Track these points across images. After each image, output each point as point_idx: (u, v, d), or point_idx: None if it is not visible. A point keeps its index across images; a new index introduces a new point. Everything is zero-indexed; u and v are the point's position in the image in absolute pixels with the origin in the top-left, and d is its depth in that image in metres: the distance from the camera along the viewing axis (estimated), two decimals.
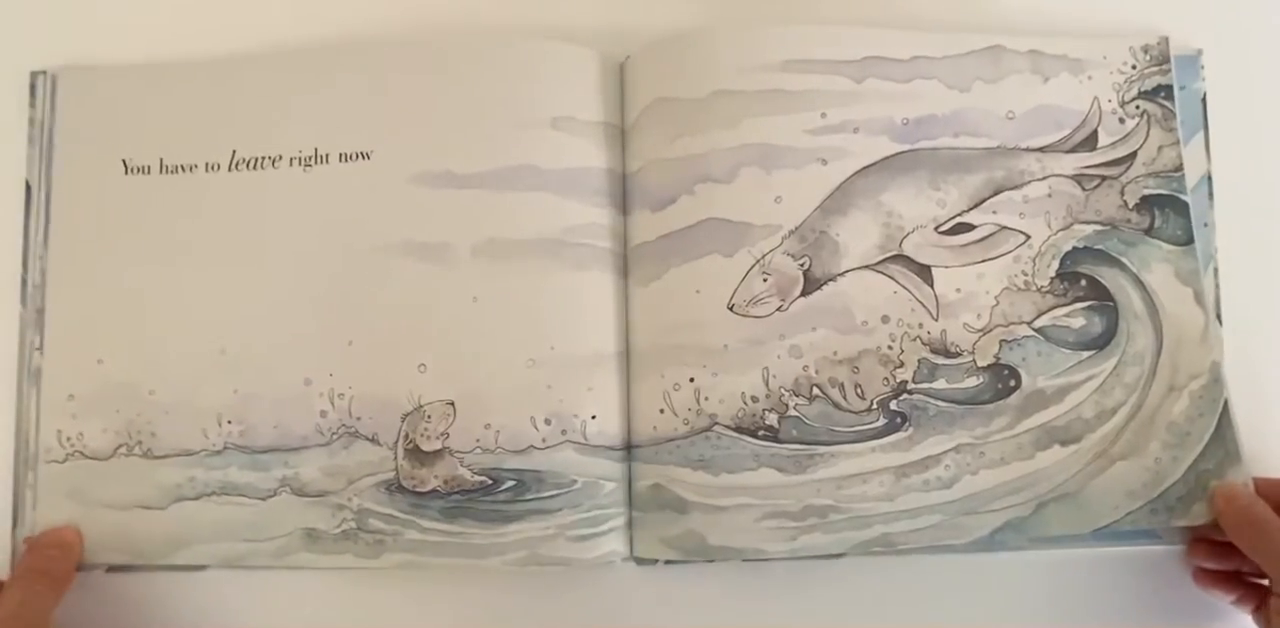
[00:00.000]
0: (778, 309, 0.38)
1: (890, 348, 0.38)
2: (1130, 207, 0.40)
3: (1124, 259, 0.40)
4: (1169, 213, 0.40)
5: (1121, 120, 0.41)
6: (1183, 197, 0.40)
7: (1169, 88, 0.41)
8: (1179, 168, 0.40)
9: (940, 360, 0.39)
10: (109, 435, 0.40)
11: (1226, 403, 0.39)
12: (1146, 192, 0.40)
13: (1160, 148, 0.41)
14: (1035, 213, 0.40)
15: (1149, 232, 0.40)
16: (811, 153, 0.39)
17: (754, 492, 0.38)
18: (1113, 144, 0.41)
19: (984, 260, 0.39)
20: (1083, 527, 0.38)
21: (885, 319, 0.39)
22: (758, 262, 0.39)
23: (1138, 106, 0.41)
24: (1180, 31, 0.42)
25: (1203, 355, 0.39)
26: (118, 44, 0.43)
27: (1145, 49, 0.41)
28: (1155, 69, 0.41)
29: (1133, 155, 0.40)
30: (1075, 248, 0.40)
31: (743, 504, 0.37)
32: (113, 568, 0.39)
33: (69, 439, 0.40)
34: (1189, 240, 0.40)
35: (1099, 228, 0.40)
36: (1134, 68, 0.41)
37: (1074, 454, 0.38)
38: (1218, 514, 0.37)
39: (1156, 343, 0.39)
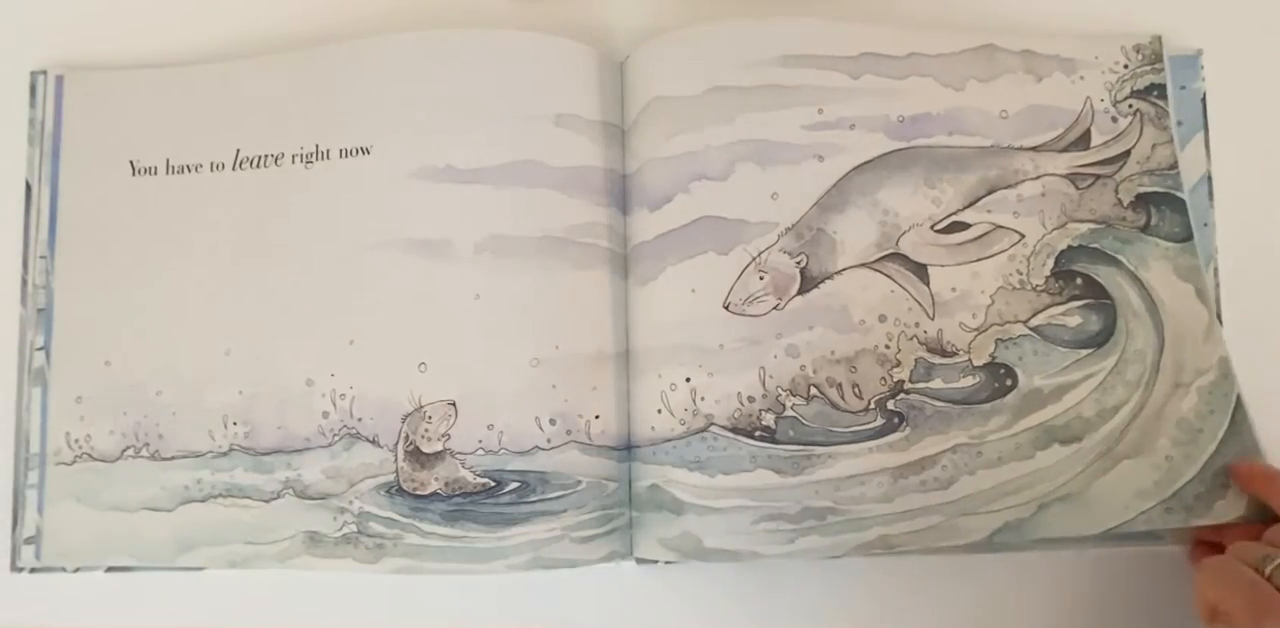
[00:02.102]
0: (774, 308, 0.38)
1: (888, 347, 0.38)
2: (1125, 205, 0.39)
3: (1120, 257, 0.39)
4: (1165, 210, 0.39)
5: (1114, 119, 0.40)
6: (1179, 194, 0.39)
7: (1162, 87, 0.40)
8: (1174, 165, 0.40)
9: (937, 360, 0.38)
10: (116, 437, 0.40)
11: (1239, 398, 0.38)
12: (1142, 190, 0.40)
13: (1154, 146, 0.40)
14: (1029, 212, 0.39)
15: (1145, 229, 0.39)
16: (808, 149, 0.39)
17: (750, 493, 0.37)
18: (1106, 143, 0.40)
19: (979, 259, 0.39)
20: (1090, 528, 0.37)
21: (882, 318, 0.38)
22: (754, 259, 0.38)
23: (1130, 105, 0.40)
24: (1180, 31, 0.41)
25: (1209, 352, 0.38)
26: (117, 44, 0.43)
27: (1137, 48, 0.41)
28: (1148, 68, 0.41)
29: (1126, 154, 0.40)
30: (1070, 247, 0.39)
31: (739, 506, 0.37)
32: (111, 569, 0.40)
33: (77, 441, 0.40)
34: (1187, 237, 0.39)
35: (1094, 226, 0.39)
36: (1126, 67, 0.40)
37: (1075, 454, 0.37)
38: (1258, 493, 0.36)
39: (1158, 340, 0.38)
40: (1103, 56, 0.41)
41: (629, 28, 0.42)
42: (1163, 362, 0.38)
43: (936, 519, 0.37)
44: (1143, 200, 0.40)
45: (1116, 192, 0.40)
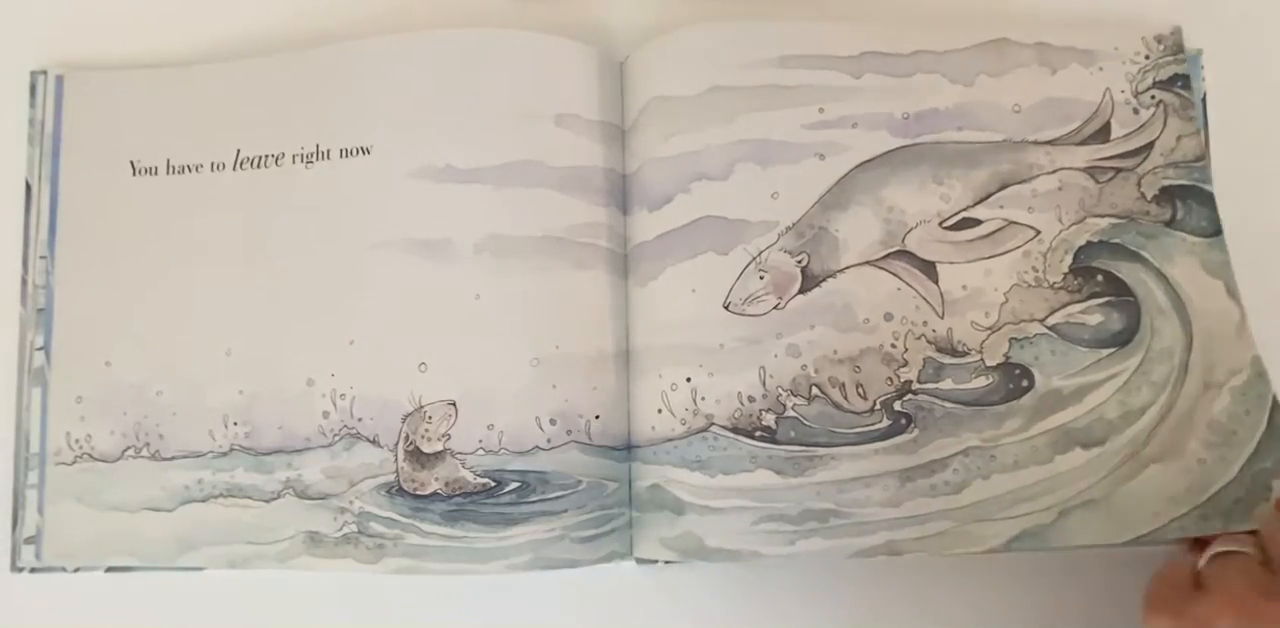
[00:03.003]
0: (774, 308, 0.38)
1: (894, 347, 0.38)
2: (1149, 198, 0.39)
3: (1144, 253, 0.39)
4: (1191, 204, 0.39)
5: (1136, 111, 0.40)
6: (1206, 187, 0.39)
7: (1185, 77, 0.40)
8: (1201, 157, 0.39)
9: (946, 360, 0.38)
10: (116, 437, 0.40)
11: (1275, 399, 0.37)
12: (1166, 182, 0.39)
13: (1179, 137, 0.40)
14: (1045, 207, 0.39)
15: (1170, 223, 0.39)
16: (809, 148, 0.39)
17: (751, 494, 0.37)
18: (1127, 135, 0.40)
19: (991, 256, 0.38)
20: (1116, 536, 0.36)
21: (888, 317, 0.38)
22: (754, 259, 0.38)
23: (1153, 96, 0.40)
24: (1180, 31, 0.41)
25: (1241, 350, 0.37)
26: (117, 44, 0.44)
27: (1159, 39, 0.40)
28: (1170, 58, 0.40)
29: (1149, 146, 0.40)
30: (1090, 242, 0.39)
31: (739, 506, 0.37)
32: (111, 569, 0.40)
33: (77, 441, 0.41)
34: (1215, 232, 0.39)
35: (1115, 221, 0.39)
36: (1147, 57, 0.40)
37: (1098, 457, 0.37)
38: None
39: (1186, 338, 0.38)
40: (1123, 47, 0.41)
41: (629, 28, 0.43)
42: (1191, 361, 0.38)
43: (947, 525, 0.37)
44: (1167, 193, 0.39)
45: (1139, 185, 0.39)
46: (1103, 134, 0.40)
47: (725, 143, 0.39)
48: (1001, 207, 0.39)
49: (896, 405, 0.38)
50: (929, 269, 0.39)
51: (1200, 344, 0.38)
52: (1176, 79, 0.40)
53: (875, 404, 0.38)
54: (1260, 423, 0.37)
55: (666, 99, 0.40)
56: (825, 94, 0.39)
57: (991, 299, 0.38)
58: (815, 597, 0.40)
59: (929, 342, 0.38)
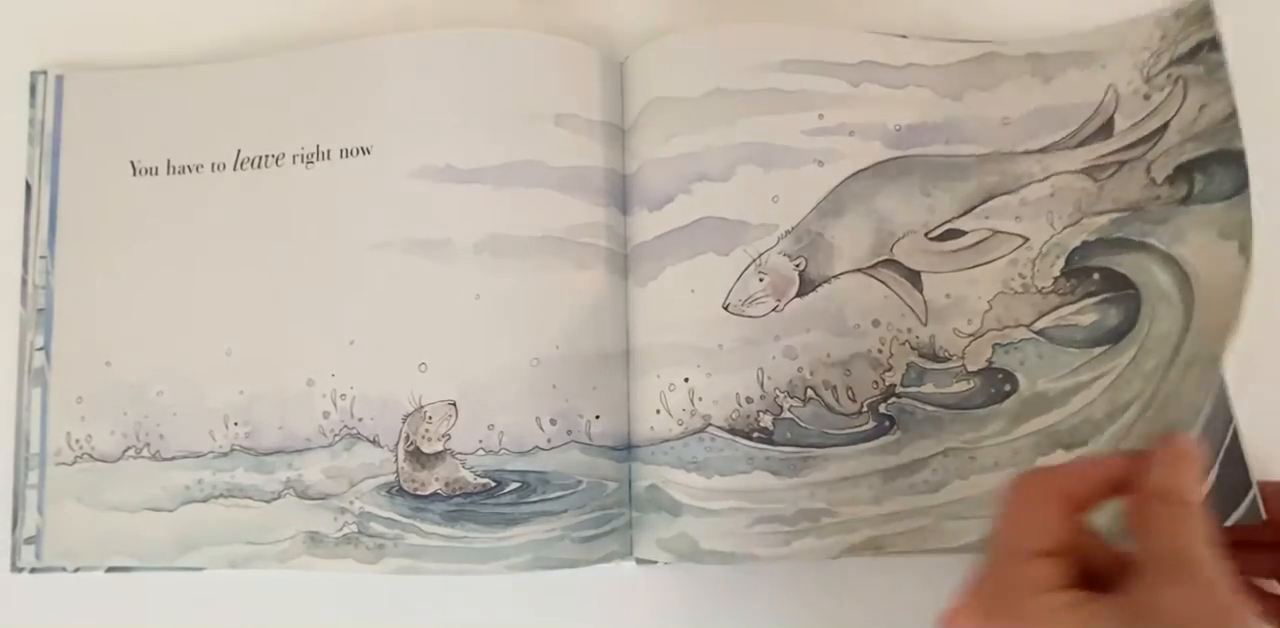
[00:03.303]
0: (773, 310, 0.39)
1: (880, 351, 0.39)
2: (1159, 182, 0.39)
3: (1150, 240, 0.38)
4: (1215, 170, 0.38)
5: (1147, 96, 0.39)
6: (1233, 146, 0.37)
7: (1211, 40, 0.39)
8: (1230, 116, 0.38)
9: (928, 365, 0.39)
10: (117, 437, 0.41)
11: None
12: (1184, 158, 0.38)
13: (1203, 106, 0.38)
14: (1035, 214, 0.40)
15: (1186, 200, 0.38)
16: (809, 153, 0.40)
17: (747, 496, 0.38)
18: (1134, 125, 0.39)
19: (976, 265, 0.39)
20: None
21: (876, 323, 0.39)
22: (754, 261, 0.39)
23: (1169, 75, 0.39)
24: None
25: (1235, 303, 0.34)
26: (117, 44, 0.44)
27: (1178, 14, 0.40)
28: (1194, 27, 0.39)
29: (1163, 128, 0.39)
30: (1085, 243, 0.39)
31: (735, 508, 0.38)
32: (111, 569, 0.40)
33: (78, 441, 0.41)
34: (1239, 190, 0.37)
35: (1116, 215, 0.39)
36: (1163, 38, 0.40)
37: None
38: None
39: (1185, 317, 0.37)
40: (1130, 38, 0.40)
41: (629, 28, 0.43)
42: (1187, 339, 0.37)
43: (924, 522, 0.38)
44: (1183, 170, 0.38)
45: (1149, 171, 0.39)
46: (1104, 132, 0.40)
47: (727, 145, 0.39)
48: (987, 217, 0.40)
49: (881, 408, 0.39)
50: (914, 278, 0.40)
51: (1201, 311, 0.37)
52: (1201, 46, 0.39)
53: (862, 406, 0.39)
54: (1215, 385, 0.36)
55: (667, 100, 0.40)
56: (826, 100, 0.40)
57: (975, 307, 0.39)
58: (815, 596, 0.40)
59: (912, 347, 0.39)
